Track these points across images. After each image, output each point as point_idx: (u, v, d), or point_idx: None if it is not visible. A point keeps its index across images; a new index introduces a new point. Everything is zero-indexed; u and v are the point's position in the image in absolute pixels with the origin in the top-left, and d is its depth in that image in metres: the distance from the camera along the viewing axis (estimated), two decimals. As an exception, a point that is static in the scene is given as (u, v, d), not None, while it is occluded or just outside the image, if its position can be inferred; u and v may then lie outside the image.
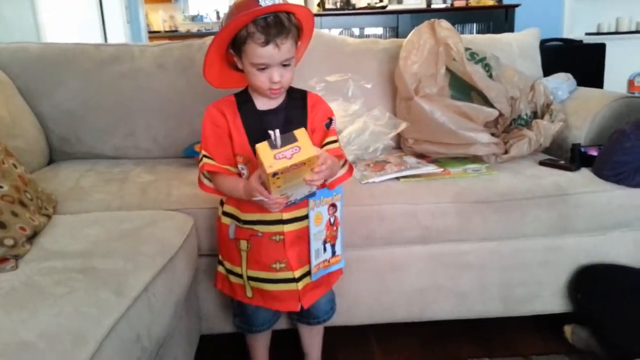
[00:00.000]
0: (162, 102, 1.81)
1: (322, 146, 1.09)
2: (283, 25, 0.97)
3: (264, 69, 0.99)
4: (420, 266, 1.46)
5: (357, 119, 1.73)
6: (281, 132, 0.97)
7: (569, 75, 1.97)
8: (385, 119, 1.73)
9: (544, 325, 1.59)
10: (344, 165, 1.12)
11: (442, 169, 1.56)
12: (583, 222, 1.47)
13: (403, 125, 1.69)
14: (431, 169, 1.55)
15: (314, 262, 1.13)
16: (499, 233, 1.45)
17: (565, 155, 1.70)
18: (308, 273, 1.14)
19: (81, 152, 1.82)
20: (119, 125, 1.81)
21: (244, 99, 1.09)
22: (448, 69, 1.73)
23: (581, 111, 1.77)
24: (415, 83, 1.71)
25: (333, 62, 1.91)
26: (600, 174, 1.50)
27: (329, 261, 1.18)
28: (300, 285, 1.13)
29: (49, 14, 3.02)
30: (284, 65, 1.01)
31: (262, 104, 1.09)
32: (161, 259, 1.02)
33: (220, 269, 1.20)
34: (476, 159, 1.63)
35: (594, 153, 1.59)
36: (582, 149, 1.62)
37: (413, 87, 1.70)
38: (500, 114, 1.70)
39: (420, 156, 1.70)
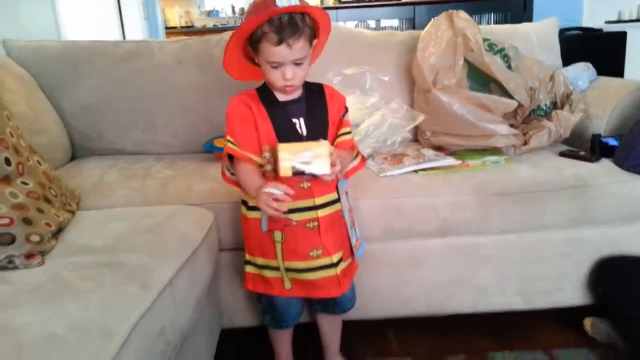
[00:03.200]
0: (181, 97, 1.83)
1: (336, 137, 1.15)
2: (296, 26, 1.00)
3: (277, 67, 1.03)
4: (439, 259, 1.46)
5: (375, 111, 1.72)
6: (305, 122, 1.09)
7: (589, 65, 1.93)
8: (403, 111, 1.72)
9: (564, 318, 1.58)
10: (357, 156, 1.17)
11: (461, 161, 1.55)
12: (604, 214, 1.45)
13: (421, 118, 1.68)
14: (449, 161, 1.54)
15: (353, 242, 1.20)
16: (519, 225, 1.44)
17: (585, 146, 1.68)
18: (341, 259, 1.17)
19: (102, 148, 1.85)
20: (139, 120, 1.83)
21: (264, 92, 1.12)
22: (466, 60, 1.71)
23: (601, 101, 1.74)
24: (433, 75, 1.70)
25: (350, 55, 1.91)
26: (622, 164, 1.48)
27: (356, 244, 1.23)
28: (338, 270, 1.15)
29: (68, 12, 3.05)
30: (297, 64, 1.04)
31: (283, 96, 1.12)
32: (184, 254, 1.03)
33: (249, 268, 1.20)
34: (495, 150, 1.62)
35: (615, 143, 1.57)
36: (603, 140, 1.60)
37: (431, 79, 1.69)
38: (520, 105, 1.68)
39: (438, 148, 1.69)
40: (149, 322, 0.82)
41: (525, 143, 1.61)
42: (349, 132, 1.16)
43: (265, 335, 1.36)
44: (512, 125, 1.66)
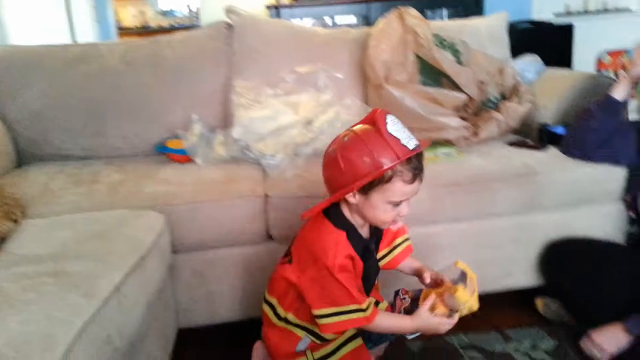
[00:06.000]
0: (131, 99, 1.79)
1: (393, 247, 1.16)
2: (422, 158, 0.96)
3: (398, 204, 0.97)
4: (394, 251, 1.47)
5: (329, 108, 1.73)
6: (372, 256, 1.07)
7: (536, 57, 1.99)
8: (356, 107, 1.74)
9: (516, 300, 1.62)
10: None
11: (414, 155, 1.57)
12: (551, 199, 1.50)
13: (374, 113, 1.69)
14: (402, 155, 1.56)
15: None
16: (471, 214, 1.47)
17: (533, 135, 1.73)
18: None
19: (50, 154, 1.78)
20: (88, 124, 1.78)
21: (351, 231, 1.02)
22: (418, 56, 1.74)
23: (548, 91, 1.80)
24: (385, 71, 1.72)
25: (303, 52, 1.91)
26: (567, 152, 1.53)
27: None
28: None
29: (14, 15, 2.94)
30: None
31: (364, 231, 1.05)
32: (132, 259, 1.01)
33: None
34: (447, 143, 1.65)
35: (561, 132, 1.62)
36: (550, 129, 1.65)
37: (383, 75, 1.71)
38: (470, 98, 1.71)
39: (393, 143, 1.71)
40: (94, 331, 0.80)
41: (476, 134, 1.65)
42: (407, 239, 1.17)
43: (224, 333, 1.34)
44: (463, 118, 1.69)
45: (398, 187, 0.94)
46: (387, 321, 1.04)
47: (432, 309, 1.02)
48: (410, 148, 0.92)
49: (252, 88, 1.72)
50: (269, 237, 1.44)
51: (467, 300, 1.01)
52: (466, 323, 1.52)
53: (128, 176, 1.51)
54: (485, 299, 1.58)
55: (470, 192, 1.44)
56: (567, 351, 1.40)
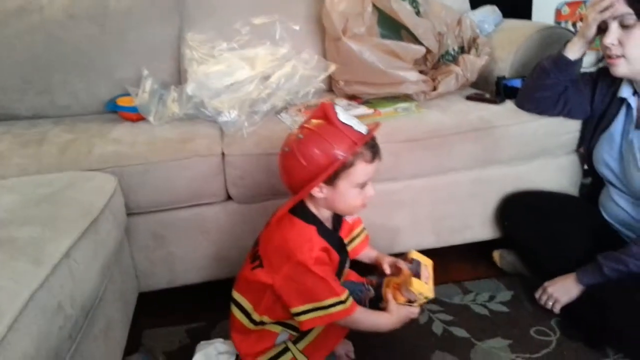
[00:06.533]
0: (78, 53, 1.69)
1: (352, 238, 1.19)
2: (375, 137, 1.02)
3: (363, 186, 1.02)
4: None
5: (286, 63, 1.68)
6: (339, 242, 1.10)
7: (495, 8, 1.97)
8: (314, 61, 1.69)
9: (474, 252, 1.68)
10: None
11: (373, 110, 1.56)
12: (508, 153, 1.53)
13: (332, 68, 1.66)
14: (361, 110, 1.55)
15: None
16: (429, 169, 1.49)
17: (491, 89, 1.73)
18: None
19: (-5, 114, 1.69)
20: (33, 82, 1.68)
21: (319, 225, 1.05)
22: (377, 7, 1.69)
23: (506, 43, 1.79)
24: (343, 23, 1.67)
25: (258, 3, 1.84)
26: (522, 106, 1.54)
27: None
28: None
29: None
30: None
31: (329, 225, 1.09)
32: (82, 223, 0.98)
33: None
34: (406, 97, 1.64)
35: (519, 85, 1.63)
36: (507, 82, 1.65)
37: (341, 27, 1.66)
38: (429, 51, 1.70)
39: (352, 98, 1.69)
40: (43, 299, 0.77)
41: (435, 89, 1.64)
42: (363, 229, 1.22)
43: (184, 295, 1.34)
44: (422, 72, 1.68)
45: (361, 168, 0.99)
46: (365, 316, 1.06)
47: (394, 299, 1.08)
48: (364, 132, 0.99)
49: (206, 41, 1.65)
50: (228, 196, 1.42)
51: (422, 292, 1.07)
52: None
53: (78, 136, 1.43)
54: (444, 252, 1.64)
55: (428, 147, 1.45)
56: (522, 302, 1.45)
